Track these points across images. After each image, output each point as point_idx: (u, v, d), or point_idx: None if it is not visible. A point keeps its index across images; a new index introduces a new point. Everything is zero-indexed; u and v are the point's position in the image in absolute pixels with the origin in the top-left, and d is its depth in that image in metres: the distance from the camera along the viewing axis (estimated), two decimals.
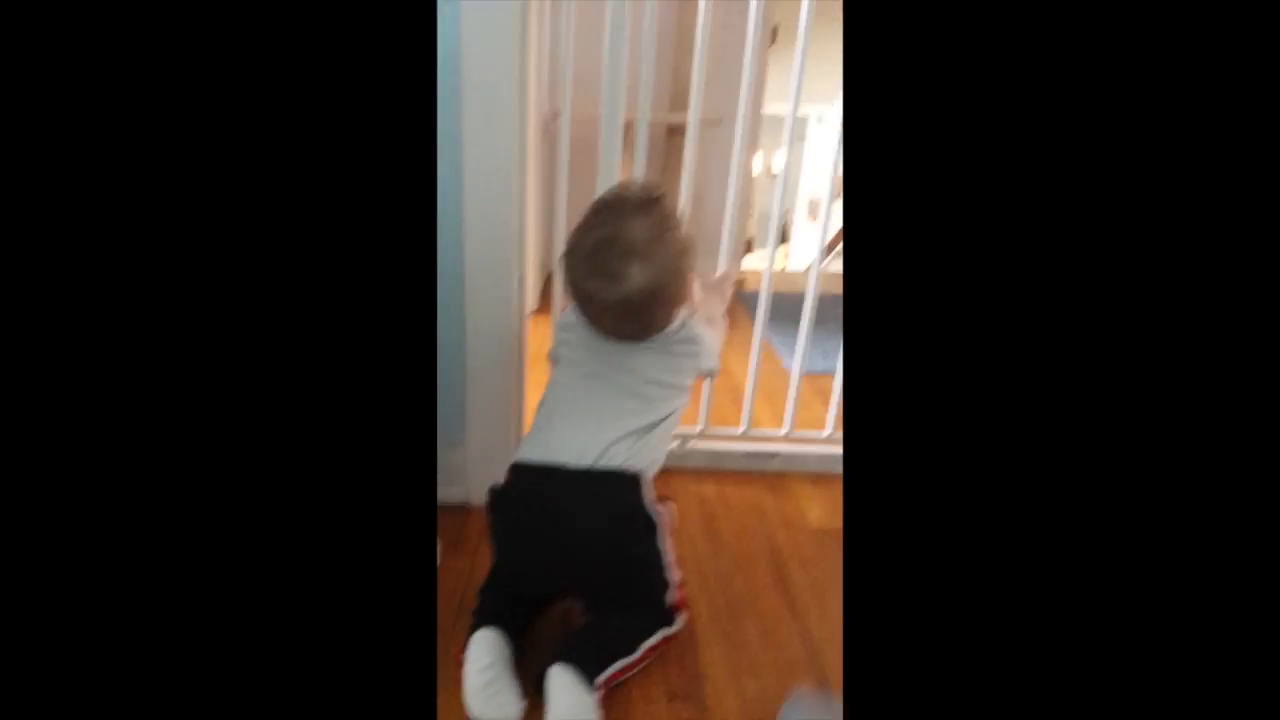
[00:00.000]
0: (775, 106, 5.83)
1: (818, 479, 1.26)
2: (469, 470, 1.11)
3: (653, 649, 0.82)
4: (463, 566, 0.97)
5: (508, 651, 0.79)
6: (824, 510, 1.17)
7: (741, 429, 1.29)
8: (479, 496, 1.10)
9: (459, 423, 1.10)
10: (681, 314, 0.90)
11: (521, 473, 0.85)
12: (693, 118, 1.15)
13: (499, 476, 0.90)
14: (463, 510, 1.10)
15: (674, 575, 0.85)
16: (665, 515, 0.85)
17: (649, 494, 0.83)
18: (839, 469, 1.28)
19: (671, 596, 0.85)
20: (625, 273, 0.81)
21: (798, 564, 1.03)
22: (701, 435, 1.28)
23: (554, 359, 0.95)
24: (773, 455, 1.29)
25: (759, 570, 1.01)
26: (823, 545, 1.08)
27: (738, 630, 0.89)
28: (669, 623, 0.85)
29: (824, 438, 1.30)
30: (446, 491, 1.10)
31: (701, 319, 0.94)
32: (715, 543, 1.07)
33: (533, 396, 1.19)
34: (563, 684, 0.74)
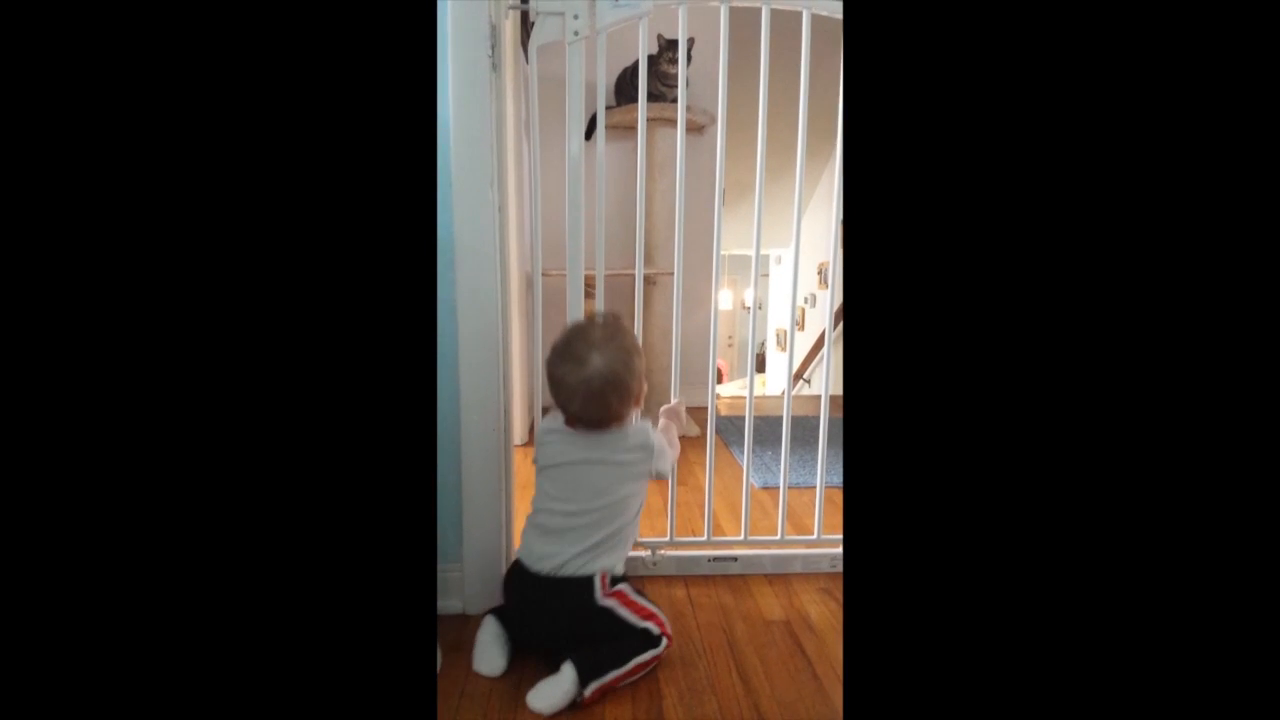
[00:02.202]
0: (738, 249, 6.30)
1: (773, 579, 1.43)
2: (465, 584, 1.27)
3: (641, 665, 1.08)
4: (462, 665, 1.11)
5: (504, 635, 1.13)
6: (778, 605, 1.34)
7: (705, 537, 1.47)
8: (475, 606, 1.27)
9: (456, 542, 1.27)
10: (636, 415, 1.16)
11: (515, 568, 1.16)
12: (639, 270, 1.41)
13: (492, 588, 1.22)
14: (461, 618, 1.25)
15: (646, 623, 1.11)
16: (624, 589, 1.14)
17: (600, 590, 1.11)
18: (791, 569, 1.46)
19: (653, 630, 1.11)
20: (587, 358, 1.09)
21: (753, 651, 1.18)
22: (671, 544, 1.46)
23: (536, 461, 1.20)
24: (733, 559, 1.46)
25: (719, 658, 1.17)
26: (774, 635, 1.23)
27: (700, 706, 1.04)
28: (656, 646, 1.10)
29: (777, 541, 1.48)
30: (447, 603, 1.26)
31: (662, 438, 1.18)
32: (683, 636, 1.22)
33: (520, 521, 1.37)
34: (565, 675, 1.02)
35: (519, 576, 1.14)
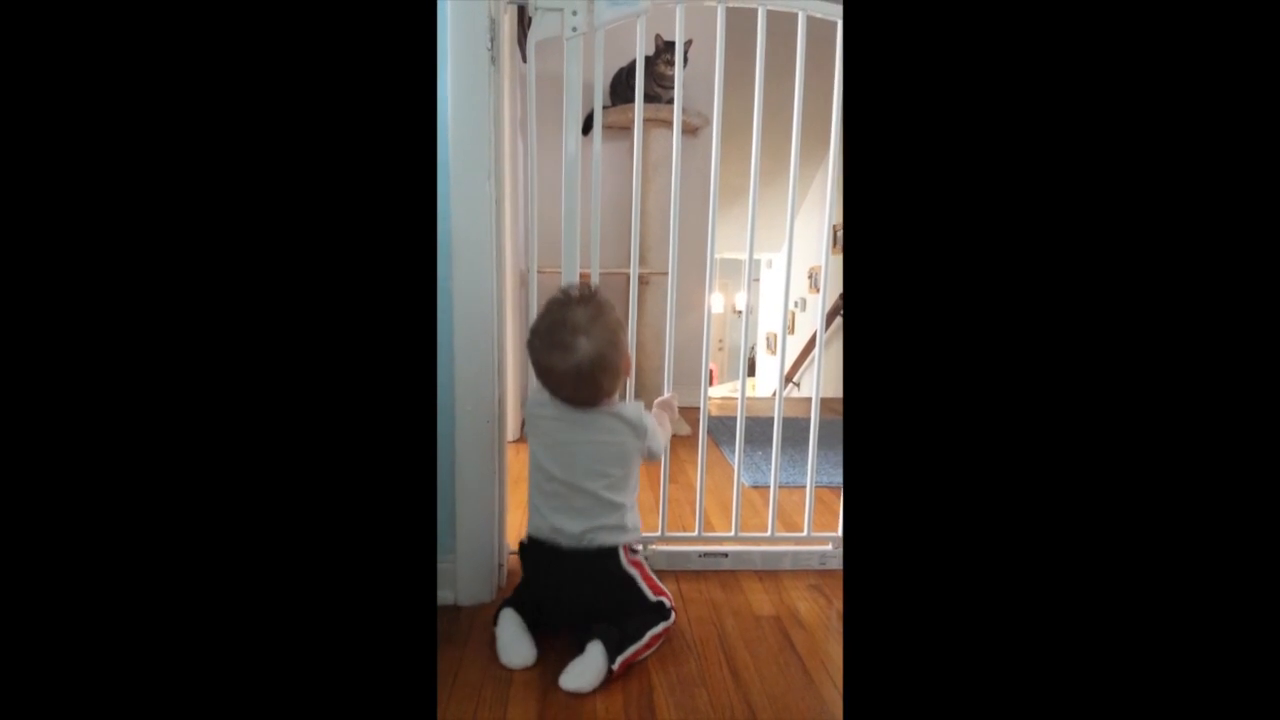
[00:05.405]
0: (730, 253, 6.31)
1: (763, 575, 1.45)
2: (458, 576, 1.28)
3: (655, 637, 1.13)
4: (454, 656, 1.12)
5: (524, 624, 1.13)
6: (768, 601, 1.35)
7: (696, 532, 1.48)
8: (467, 598, 1.27)
9: (450, 536, 1.27)
10: (628, 391, 1.18)
11: (533, 544, 1.17)
12: (633, 270, 1.43)
13: (484, 582, 1.25)
14: (454, 609, 1.26)
15: (658, 596, 1.17)
16: (641, 560, 1.20)
17: (625, 558, 1.15)
18: (781, 565, 1.47)
19: (666, 604, 1.17)
20: (575, 345, 1.07)
21: (743, 645, 1.20)
22: (662, 538, 1.47)
23: (528, 433, 1.21)
24: (724, 555, 1.47)
25: (710, 651, 1.18)
26: (764, 630, 1.25)
27: (690, 699, 1.05)
28: (667, 619, 1.16)
29: (767, 537, 1.49)
30: (440, 594, 1.27)
31: (654, 419, 1.20)
32: (674, 630, 1.23)
33: (512, 514, 1.38)
34: (594, 653, 1.05)
35: (539, 553, 1.15)
